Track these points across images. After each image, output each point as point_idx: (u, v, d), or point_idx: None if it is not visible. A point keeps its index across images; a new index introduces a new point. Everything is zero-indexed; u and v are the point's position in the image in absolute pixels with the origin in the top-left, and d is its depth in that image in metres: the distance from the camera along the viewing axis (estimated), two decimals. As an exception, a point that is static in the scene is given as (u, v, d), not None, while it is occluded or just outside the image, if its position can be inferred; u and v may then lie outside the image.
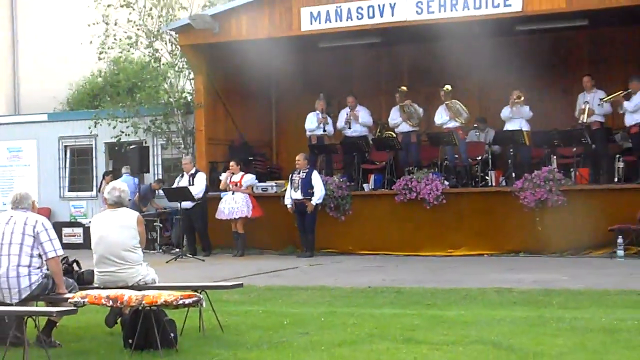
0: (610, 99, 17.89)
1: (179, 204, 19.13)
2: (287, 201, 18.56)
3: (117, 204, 9.61)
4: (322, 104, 20.19)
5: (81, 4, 23.93)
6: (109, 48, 22.04)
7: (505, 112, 18.82)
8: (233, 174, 19.21)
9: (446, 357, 7.93)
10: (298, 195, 18.35)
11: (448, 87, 19.22)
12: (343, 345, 8.52)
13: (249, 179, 19.35)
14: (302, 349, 8.41)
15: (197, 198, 19.04)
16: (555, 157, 18.37)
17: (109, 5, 21.36)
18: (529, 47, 19.68)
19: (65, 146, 23.91)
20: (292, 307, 11.27)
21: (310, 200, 18.23)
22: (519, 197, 17.36)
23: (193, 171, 19.39)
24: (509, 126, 18.70)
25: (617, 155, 18.34)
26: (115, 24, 21.52)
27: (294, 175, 18.57)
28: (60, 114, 25.84)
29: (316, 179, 18.37)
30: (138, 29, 21.61)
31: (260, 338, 9.06)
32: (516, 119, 18.60)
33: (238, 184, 19.05)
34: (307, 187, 18.30)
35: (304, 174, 18.42)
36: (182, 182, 19.25)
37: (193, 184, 19.08)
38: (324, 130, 20.26)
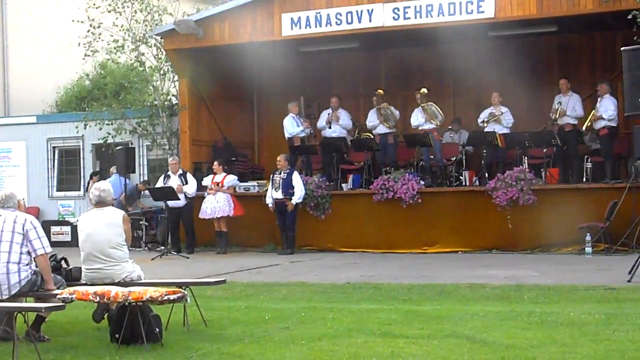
0: (588, 124, 17.96)
1: (163, 203, 19.16)
2: (269, 200, 18.55)
3: (100, 202, 9.57)
4: (297, 107, 20.20)
5: (70, 8, 23.80)
6: (96, 51, 21.89)
7: (483, 116, 18.97)
8: (216, 174, 19.25)
9: (422, 350, 7.95)
10: (279, 194, 18.36)
11: (424, 90, 19.26)
12: (322, 339, 8.53)
13: (231, 179, 19.35)
14: (283, 343, 8.41)
15: (191, 197, 19.11)
16: (526, 157, 18.45)
17: (93, 17, 21.23)
18: (502, 52, 19.72)
19: (54, 147, 23.78)
20: (273, 303, 11.28)
21: (291, 199, 18.25)
22: (492, 196, 17.43)
23: (181, 171, 19.36)
24: (488, 129, 18.83)
25: (586, 156, 18.45)
26: (99, 27, 21.34)
27: (275, 175, 18.57)
28: (49, 116, 25.70)
29: (297, 179, 18.38)
30: (125, 33, 21.51)
31: (242, 332, 9.07)
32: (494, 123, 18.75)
33: (220, 184, 19.06)
34: (287, 187, 18.31)
35: (285, 174, 18.43)
36: (170, 182, 19.18)
37: (185, 184, 19.09)
38: (312, 134, 20.40)
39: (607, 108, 17.62)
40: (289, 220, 18.39)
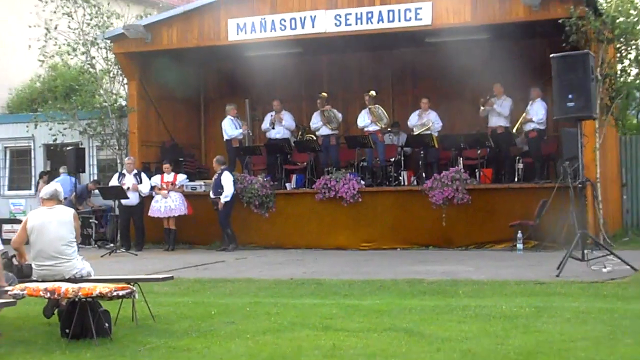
0: (518, 128, 18.19)
1: (113, 202, 19.01)
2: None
3: (53, 197, 9.44)
4: (235, 110, 20.14)
5: (22, 10, 23.43)
6: (51, 56, 21.60)
7: (413, 120, 19.16)
8: (164, 173, 19.16)
9: (362, 343, 7.98)
10: (212, 194, 18.41)
11: (373, 92, 19.35)
12: (267, 333, 8.52)
13: (183, 178, 19.32)
14: (228, 337, 8.39)
15: (144, 195, 19.02)
16: (461, 158, 18.60)
17: (51, 18, 20.90)
18: (438, 58, 19.82)
19: (5, 147, 23.50)
20: (220, 298, 11.24)
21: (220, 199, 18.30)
22: (429, 195, 17.54)
23: (136, 171, 19.19)
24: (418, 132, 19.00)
25: (517, 157, 18.65)
26: (55, 28, 20.98)
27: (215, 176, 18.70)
28: (0, 117, 25.34)
29: (225, 179, 18.38)
30: (77, 36, 21.19)
31: (189, 327, 9.03)
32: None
33: (173, 184, 18.98)
34: (217, 187, 18.40)
35: (217, 175, 18.49)
36: (126, 180, 18.99)
37: (140, 183, 18.95)
38: (250, 135, 20.36)
39: (537, 112, 17.89)
40: (221, 218, 18.42)
